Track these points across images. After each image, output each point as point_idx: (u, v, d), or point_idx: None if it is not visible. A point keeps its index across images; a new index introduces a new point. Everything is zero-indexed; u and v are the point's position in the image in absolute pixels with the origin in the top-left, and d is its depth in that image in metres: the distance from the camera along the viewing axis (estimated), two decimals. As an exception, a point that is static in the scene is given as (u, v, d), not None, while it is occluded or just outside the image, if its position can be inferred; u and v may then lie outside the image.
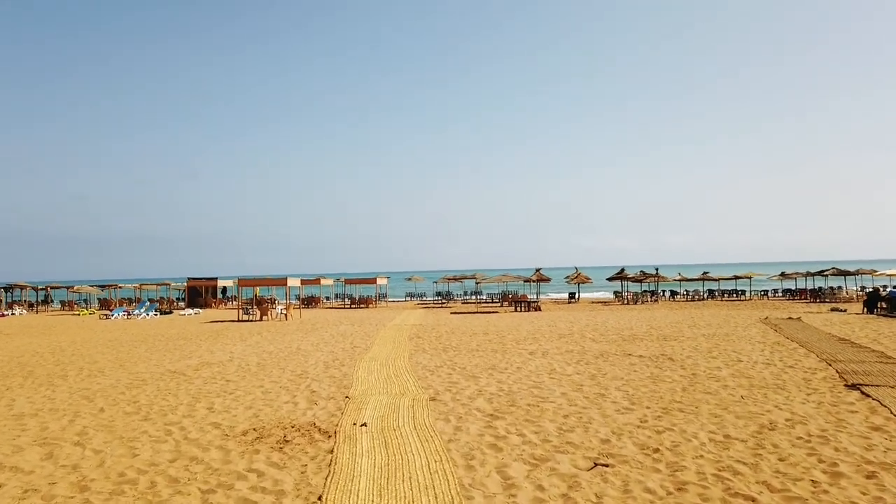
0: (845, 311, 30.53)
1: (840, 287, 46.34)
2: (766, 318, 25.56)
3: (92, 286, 55.97)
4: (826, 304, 38.00)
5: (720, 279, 49.08)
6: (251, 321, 31.71)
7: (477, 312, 35.08)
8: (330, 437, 7.73)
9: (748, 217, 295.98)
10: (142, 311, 39.36)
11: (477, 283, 46.39)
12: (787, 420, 8.07)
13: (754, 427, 7.71)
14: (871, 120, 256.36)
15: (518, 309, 36.98)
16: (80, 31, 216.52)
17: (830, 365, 12.60)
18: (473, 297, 53.23)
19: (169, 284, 55.14)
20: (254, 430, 8.19)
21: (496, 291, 56.15)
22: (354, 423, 8.31)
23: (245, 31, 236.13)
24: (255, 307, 34.21)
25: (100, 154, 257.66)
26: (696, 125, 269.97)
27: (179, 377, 13.10)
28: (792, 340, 17.16)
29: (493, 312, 34.76)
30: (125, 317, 37.90)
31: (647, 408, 8.89)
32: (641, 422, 8.07)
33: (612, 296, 52.73)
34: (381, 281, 47.90)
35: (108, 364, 15.57)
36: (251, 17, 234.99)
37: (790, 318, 25.50)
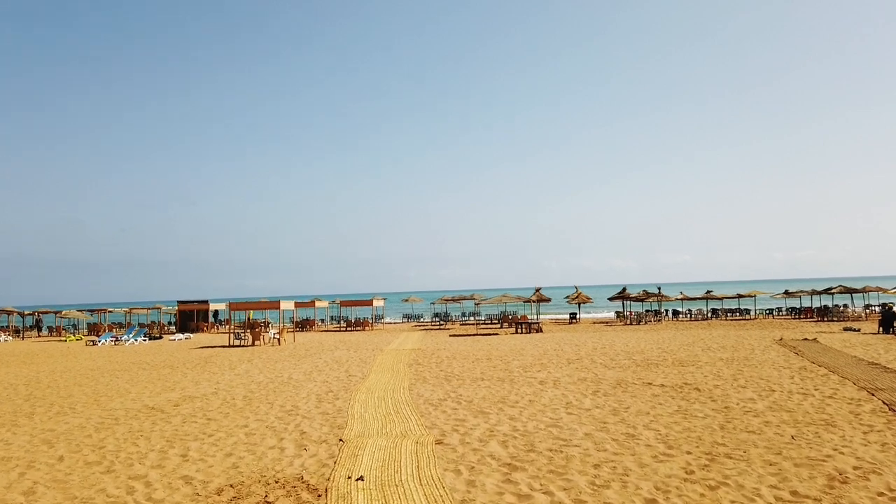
0: (859, 330, 29.44)
1: (846, 305, 45.23)
2: (781, 339, 24.42)
3: (80, 310, 54.52)
4: (835, 322, 36.90)
5: (723, 298, 47.97)
6: (243, 346, 30.40)
7: (477, 335, 33.84)
8: (320, 496, 6.52)
9: (744, 235, 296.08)
10: (130, 336, 37.97)
11: (476, 304, 45.17)
12: (855, 468, 6.90)
13: (822, 479, 6.54)
14: (870, 137, 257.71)
15: (519, 331, 35.76)
16: (71, 55, 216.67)
17: (873, 395, 11.45)
18: (472, 318, 51.98)
19: (160, 308, 53.71)
20: (230, 486, 6.97)
21: (495, 312, 54.93)
22: (349, 477, 7.11)
23: (241, 55, 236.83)
24: (246, 331, 32.92)
25: (93, 177, 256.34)
26: (692, 143, 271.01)
27: (157, 414, 11.87)
28: (818, 365, 16.02)
29: (493, 334, 33.53)
30: (112, 342, 36.52)
31: (689, 453, 7.71)
32: (687, 473, 6.89)
33: (613, 316, 51.55)
34: (378, 302, 46.64)
35: (82, 399, 14.31)
36: (245, 41, 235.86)
37: (806, 339, 24.37)
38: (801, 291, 47.26)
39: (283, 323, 39.80)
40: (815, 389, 12.18)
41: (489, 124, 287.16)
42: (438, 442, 8.75)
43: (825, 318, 40.19)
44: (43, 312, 55.24)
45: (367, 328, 44.71)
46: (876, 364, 15.97)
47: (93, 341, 37.30)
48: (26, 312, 52.13)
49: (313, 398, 13.14)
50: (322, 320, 53.13)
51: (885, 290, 45.16)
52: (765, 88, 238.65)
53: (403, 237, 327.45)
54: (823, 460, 7.24)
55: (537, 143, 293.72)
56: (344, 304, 49.62)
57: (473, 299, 46.47)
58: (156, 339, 40.09)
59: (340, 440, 9.08)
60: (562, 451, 7.97)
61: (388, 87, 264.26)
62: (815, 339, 24.28)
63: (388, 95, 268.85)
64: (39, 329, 52.26)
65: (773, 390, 12.15)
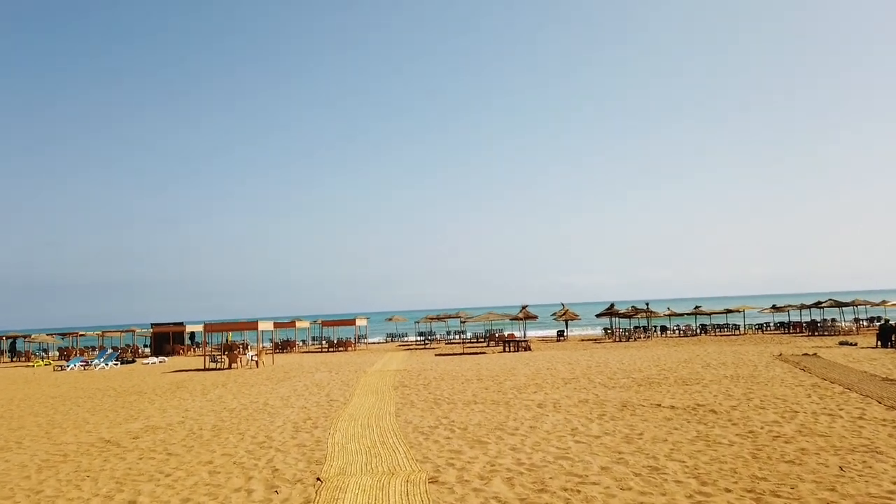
0: (856, 344, 28.65)
1: (834, 319, 44.64)
2: (781, 354, 23.52)
3: (50, 334, 52.44)
4: (828, 337, 36.19)
5: (712, 313, 47.28)
6: (219, 369, 28.90)
7: (463, 354, 32.62)
8: (292, 556, 5.31)
9: (723, 252, 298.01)
10: (101, 360, 36.19)
11: (462, 322, 43.89)
12: (928, 507, 5.84)
13: (897, 523, 5.46)
14: (848, 157, 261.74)
15: (507, 349, 34.59)
16: (46, 72, 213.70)
17: (906, 414, 10.46)
18: (457, 336, 50.71)
19: (134, 331, 51.80)
20: (183, 544, 5.74)
21: (480, 330, 53.72)
22: (328, 529, 5.90)
23: (229, 70, 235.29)
24: (223, 354, 31.39)
25: (69, 198, 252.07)
26: (673, 164, 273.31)
27: (111, 449, 10.53)
28: (830, 382, 15.05)
29: (480, 353, 32.33)
30: (82, 367, 34.77)
31: (728, 490, 6.60)
32: (734, 517, 5.78)
33: (600, 332, 50.62)
34: (361, 322, 45.25)
35: (32, 431, 12.90)
36: (214, 60, 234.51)
37: (806, 354, 23.49)
38: (790, 306, 46.67)
39: (262, 344, 38.26)
40: (840, 409, 11.17)
41: (473, 149, 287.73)
42: (432, 480, 7.56)
43: (816, 333, 39.51)
44: (10, 337, 53.04)
45: (349, 348, 43.27)
46: (891, 380, 15.04)
47: (61, 366, 35.45)
48: None
49: (289, 427, 11.86)
50: (303, 341, 51.53)
51: (873, 304, 44.72)
52: (742, 114, 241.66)
53: (386, 256, 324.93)
54: (888, 498, 6.17)
55: (518, 166, 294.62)
56: (326, 323, 48.11)
57: (459, 317, 45.24)
58: (128, 362, 38.34)
59: (318, 479, 7.84)
60: (579, 491, 6.80)
61: (383, 113, 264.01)
62: (815, 354, 23.42)
63: (386, 120, 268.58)
64: (13, 354, 50.03)
65: (796, 411, 11.11)
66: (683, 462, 7.85)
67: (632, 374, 18.59)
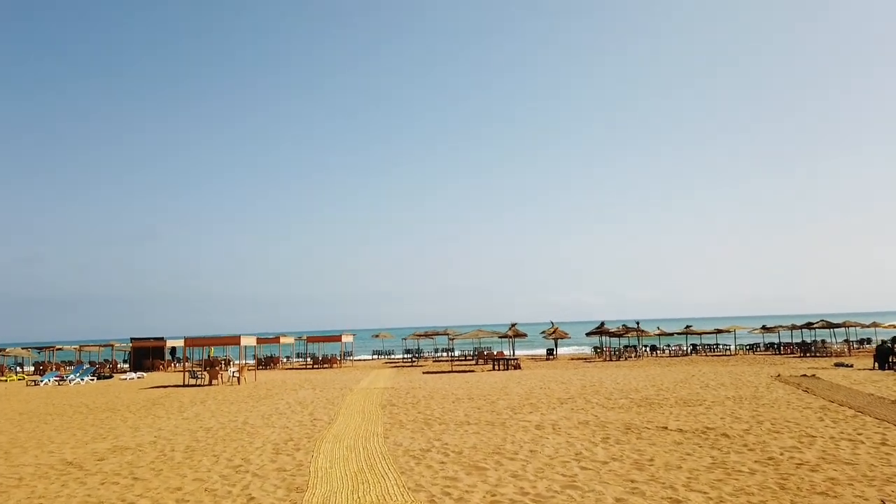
0: (852, 366, 28.17)
1: (824, 341, 44.19)
2: (779, 375, 22.90)
3: (26, 348, 50.87)
4: (820, 358, 35.71)
5: (702, 333, 46.67)
6: (199, 386, 27.83)
7: (452, 371, 31.73)
8: None
9: (707, 274, 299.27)
10: (76, 375, 34.90)
11: (450, 340, 42.96)
12: None
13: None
14: (833, 182, 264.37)
15: (496, 367, 33.75)
16: (36, 85, 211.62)
17: (930, 440, 9.79)
18: (445, 354, 49.80)
19: (112, 345, 50.36)
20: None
21: (468, 348, 52.84)
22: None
23: (210, 90, 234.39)
24: (203, 370, 30.30)
25: (48, 213, 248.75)
26: (662, 184, 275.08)
27: (73, 472, 9.60)
28: (839, 404, 14.40)
29: (469, 371, 31.46)
30: (56, 382, 33.50)
31: (763, 528, 5.86)
32: (779, 562, 5.03)
33: (589, 351, 49.92)
34: (347, 338, 44.20)
35: (-11, 450, 11.92)
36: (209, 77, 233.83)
37: (804, 375, 22.89)
38: (780, 326, 46.27)
39: (244, 360, 37.17)
40: (859, 434, 10.48)
41: (462, 170, 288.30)
42: (427, 512, 6.75)
43: (809, 354, 39.02)
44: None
45: (335, 365, 42.20)
46: (902, 403, 14.42)
47: (34, 381, 34.15)
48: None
49: (269, 449, 10.98)
50: (287, 357, 50.33)
51: (864, 325, 44.45)
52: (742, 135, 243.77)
53: (374, 273, 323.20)
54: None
55: (511, 188, 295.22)
56: (311, 339, 47.03)
57: (447, 334, 44.33)
58: (106, 378, 37.08)
59: (299, 510, 7.01)
60: (594, 527, 6.03)
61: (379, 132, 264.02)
62: (813, 375, 22.83)
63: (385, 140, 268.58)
64: None
65: (813, 436, 10.40)
66: (706, 493, 7.09)
67: (629, 394, 17.86)
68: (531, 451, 9.91)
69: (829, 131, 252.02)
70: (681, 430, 11.28)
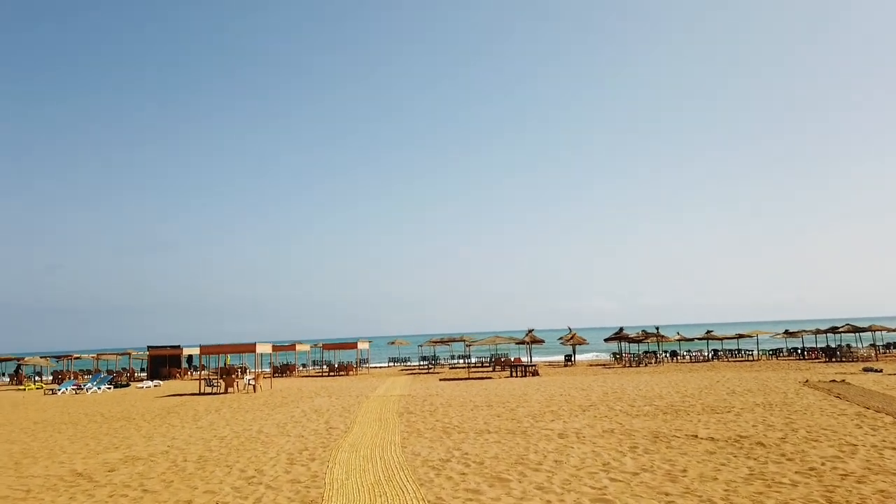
0: (881, 371, 27.34)
1: (849, 345, 43.13)
2: (808, 381, 22.21)
3: (45, 357, 51.12)
4: (847, 363, 34.80)
5: (724, 338, 45.74)
6: (214, 394, 27.64)
7: (469, 378, 31.29)
8: None
9: (720, 279, 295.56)
10: (93, 384, 34.86)
11: (467, 346, 42.48)
12: None
13: None
14: (842, 188, 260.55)
15: (514, 374, 33.25)
16: (43, 98, 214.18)
17: (981, 449, 9.22)
18: (461, 361, 49.31)
19: (130, 354, 50.44)
20: None
21: (485, 355, 52.30)
22: None
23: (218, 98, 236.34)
24: (219, 378, 30.11)
25: (70, 222, 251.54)
26: (677, 194, 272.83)
27: (82, 483, 9.32)
28: (876, 411, 13.79)
29: (486, 378, 31.00)
30: (74, 391, 33.50)
31: (816, 547, 5.39)
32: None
33: (608, 357, 49.17)
34: (363, 345, 43.89)
35: (2, 460, 11.70)
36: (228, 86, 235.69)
37: (833, 381, 22.18)
38: (804, 331, 45.23)
39: (261, 368, 36.95)
40: (903, 443, 9.93)
41: (475, 178, 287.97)
42: (449, 527, 6.35)
43: (833, 359, 38.07)
44: (5, 359, 51.71)
45: (351, 373, 41.90)
46: (942, 409, 13.78)
47: (52, 390, 34.15)
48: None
49: (283, 458, 10.63)
50: (303, 365, 50.12)
51: (890, 329, 43.32)
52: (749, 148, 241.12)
53: (383, 281, 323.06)
54: None
55: (522, 191, 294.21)
56: (327, 347, 46.74)
57: (464, 341, 43.89)
58: (123, 386, 37.04)
59: (314, 525, 6.64)
60: (631, 545, 5.60)
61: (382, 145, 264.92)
62: (843, 380, 22.11)
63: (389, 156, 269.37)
64: (16, 377, 48.62)
65: (854, 444, 9.86)
66: (747, 508, 6.63)
67: (653, 400, 17.34)
68: (556, 461, 9.47)
69: (841, 136, 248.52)
70: (712, 439, 10.78)
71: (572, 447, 10.55)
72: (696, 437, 11.07)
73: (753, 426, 12.09)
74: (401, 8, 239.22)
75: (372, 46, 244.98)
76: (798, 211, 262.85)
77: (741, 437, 10.89)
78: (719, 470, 8.45)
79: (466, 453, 10.37)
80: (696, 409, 15.24)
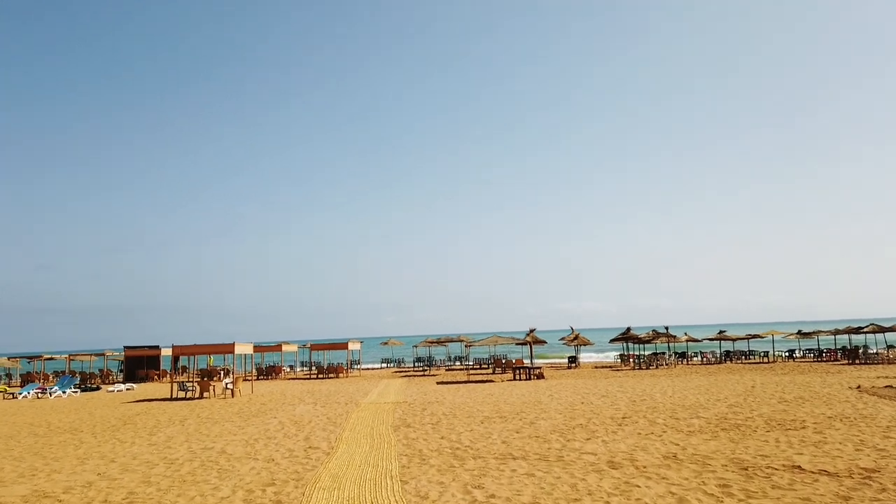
0: (925, 374, 24.73)
1: (867, 346, 40.50)
2: (860, 386, 19.51)
3: (12, 358, 47.89)
4: (876, 365, 32.14)
5: (736, 339, 43.00)
6: (188, 399, 24.69)
7: (469, 382, 28.42)
8: None
9: (715, 280, 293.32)
10: (59, 387, 31.79)
11: (466, 347, 39.60)
12: None
13: None
14: (842, 188, 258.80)
15: (517, 377, 30.44)
16: (40, 98, 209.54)
17: None
18: (458, 362, 46.47)
19: (105, 354, 47.23)
20: None
21: (483, 356, 49.50)
22: None
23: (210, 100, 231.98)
24: (194, 381, 27.13)
25: (59, 222, 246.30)
26: (676, 191, 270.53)
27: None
28: None
29: (487, 381, 28.16)
30: (37, 395, 30.47)
31: None
32: None
33: (612, 358, 46.46)
34: (354, 346, 40.90)
35: None
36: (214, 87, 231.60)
37: (890, 386, 19.50)
38: (820, 332, 42.59)
39: (241, 370, 33.90)
40: None
41: (468, 174, 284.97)
42: None
43: (856, 361, 35.45)
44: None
45: (341, 375, 38.93)
46: None
47: (12, 394, 31.06)
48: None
49: (239, 497, 7.75)
50: (291, 366, 47.07)
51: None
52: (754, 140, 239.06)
53: (377, 281, 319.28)
54: None
55: (513, 191, 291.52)
56: (315, 347, 43.64)
57: (462, 341, 41.04)
58: (92, 390, 34.00)
59: None
60: None
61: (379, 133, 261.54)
62: (898, 386, 19.45)
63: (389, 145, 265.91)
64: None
65: None
66: None
67: (697, 411, 14.57)
68: (625, 510, 6.63)
69: (839, 132, 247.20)
70: (826, 473, 7.94)
71: (636, 485, 7.69)
72: (800, 468, 8.23)
73: (857, 450, 9.30)
74: (401, 8, 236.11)
75: (360, 42, 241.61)
76: (798, 211, 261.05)
77: (863, 469, 8.05)
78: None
79: (493, 496, 7.48)
80: (758, 423, 12.47)
